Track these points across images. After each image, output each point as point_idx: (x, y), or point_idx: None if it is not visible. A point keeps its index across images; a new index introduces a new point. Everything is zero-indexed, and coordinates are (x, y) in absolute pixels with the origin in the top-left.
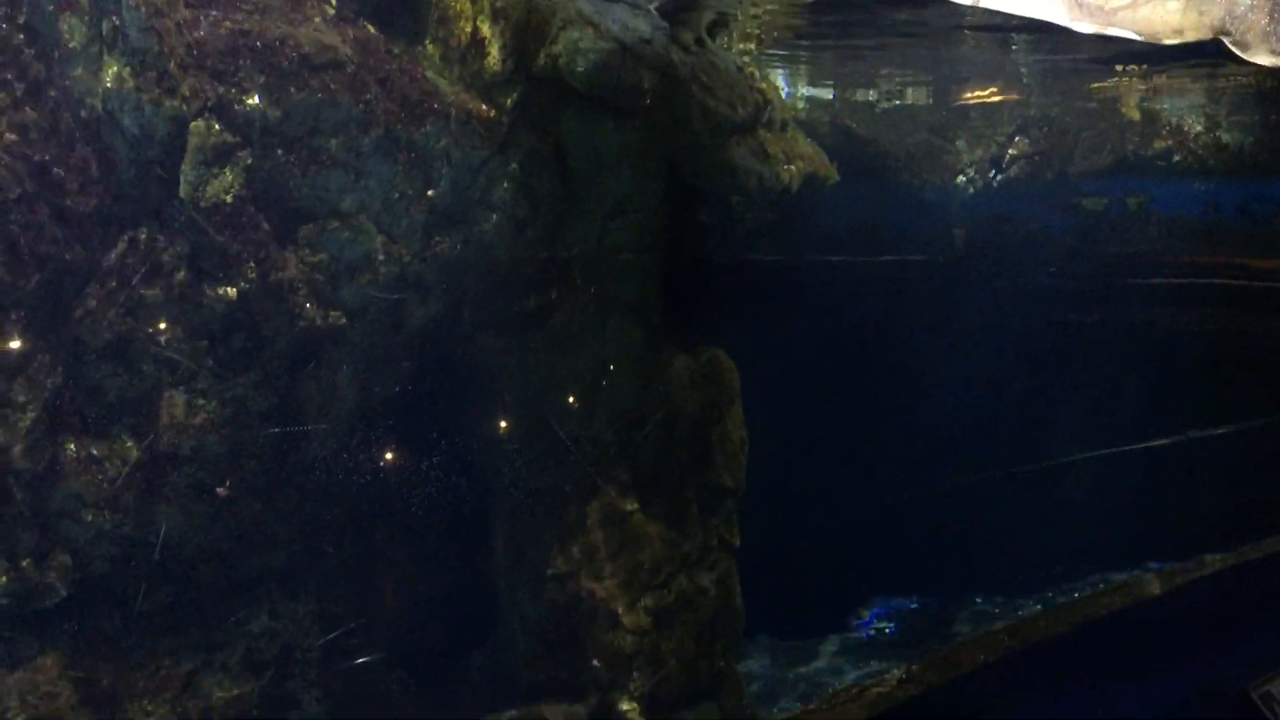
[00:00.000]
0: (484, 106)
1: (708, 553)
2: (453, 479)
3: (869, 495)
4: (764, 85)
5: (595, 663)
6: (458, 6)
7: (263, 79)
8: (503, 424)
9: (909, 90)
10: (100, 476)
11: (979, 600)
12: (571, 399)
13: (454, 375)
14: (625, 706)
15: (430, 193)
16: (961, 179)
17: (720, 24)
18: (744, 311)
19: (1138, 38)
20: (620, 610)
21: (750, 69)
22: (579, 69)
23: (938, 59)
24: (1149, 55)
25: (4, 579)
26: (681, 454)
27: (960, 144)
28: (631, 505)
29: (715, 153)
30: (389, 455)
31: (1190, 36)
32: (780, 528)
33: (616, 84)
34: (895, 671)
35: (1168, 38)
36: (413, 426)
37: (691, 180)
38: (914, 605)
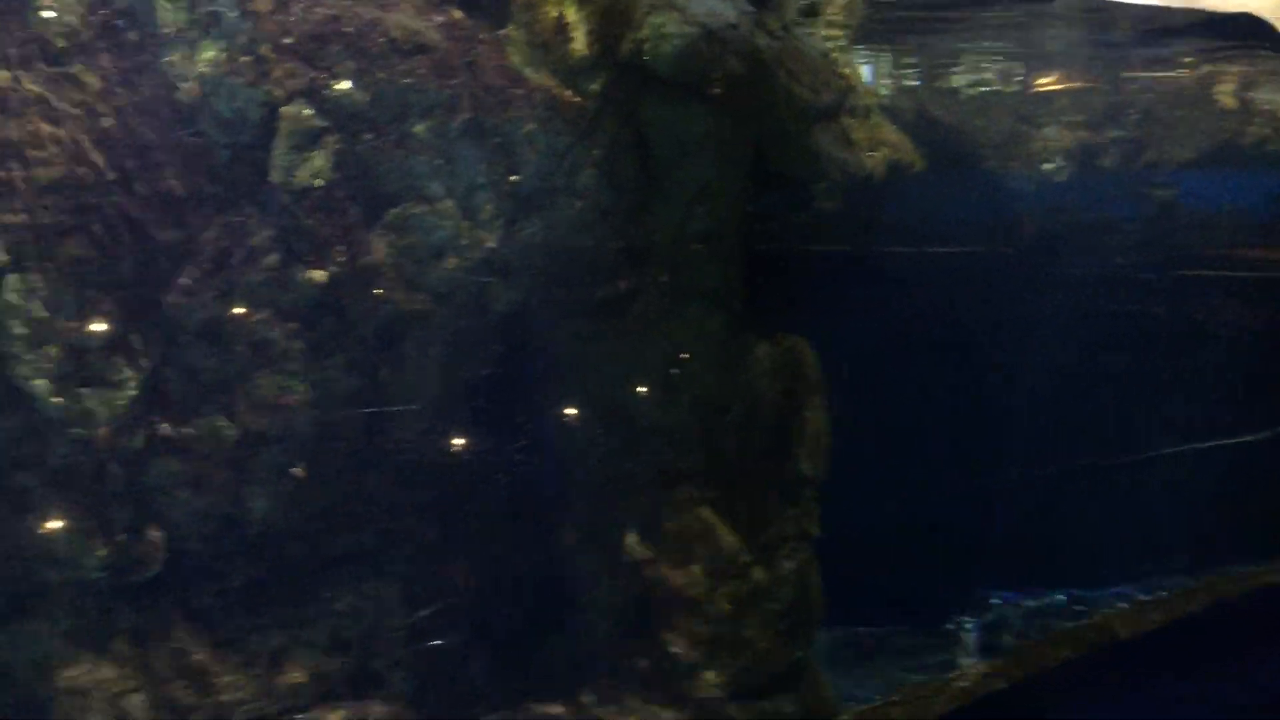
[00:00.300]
0: (568, 93)
1: (786, 542)
2: (532, 463)
3: (958, 487)
4: (848, 71)
5: (673, 650)
6: None
7: (352, 64)
8: (582, 410)
9: (996, 75)
10: (193, 455)
11: (1062, 596)
12: (650, 386)
13: (535, 360)
14: (703, 695)
15: (514, 178)
16: (1049, 166)
17: (810, 12)
18: (826, 300)
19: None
20: (698, 598)
21: (835, 54)
22: (664, 54)
23: (1028, 42)
24: (1247, 40)
25: (102, 552)
26: (761, 442)
27: (1048, 131)
28: (710, 493)
29: (799, 139)
30: (471, 439)
31: None
32: (865, 519)
33: (701, 70)
34: (979, 665)
35: None
36: (494, 410)
37: (775, 167)
38: (1002, 600)
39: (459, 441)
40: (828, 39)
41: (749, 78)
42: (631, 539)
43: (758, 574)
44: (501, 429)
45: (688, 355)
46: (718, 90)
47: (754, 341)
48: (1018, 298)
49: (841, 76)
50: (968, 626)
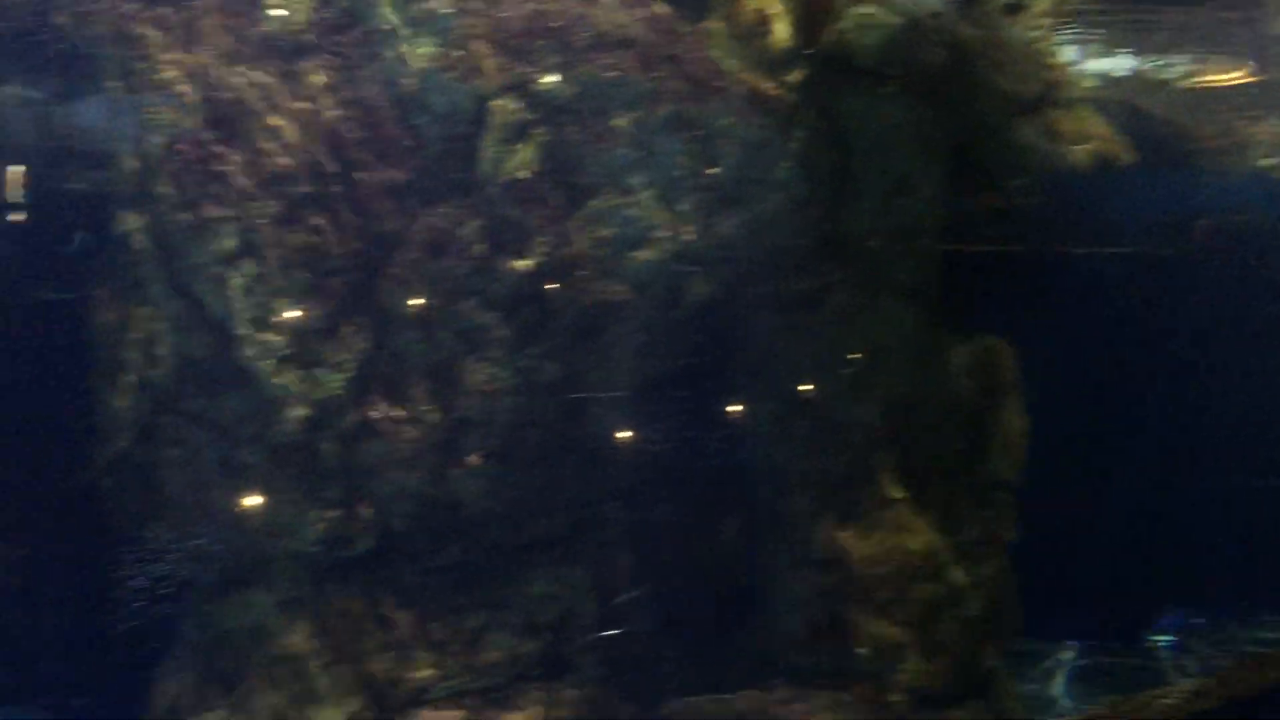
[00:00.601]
0: (768, 84)
1: (980, 546)
2: (723, 456)
3: (1160, 497)
4: (1054, 62)
5: (862, 651)
6: None
7: (559, 58)
8: (774, 403)
9: (1211, 67)
10: (401, 438)
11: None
12: (843, 382)
13: (728, 353)
14: (892, 698)
15: (712, 171)
16: (1269, 162)
17: (1017, 2)
18: (1027, 299)
19: None
20: (889, 599)
21: (1041, 44)
22: (866, 44)
23: (1253, 34)
24: None
25: (318, 527)
26: (955, 443)
27: (1269, 125)
28: (902, 493)
29: (1002, 132)
30: (664, 429)
31: None
32: (1060, 526)
33: (904, 60)
34: (1186, 683)
35: None
36: (687, 402)
37: (976, 161)
38: (1203, 619)
39: (651, 431)
40: (1034, 29)
41: (952, 68)
42: (822, 535)
43: (953, 576)
44: (694, 420)
45: (881, 352)
46: (920, 81)
47: (949, 340)
48: (1233, 299)
49: (1048, 67)
50: (1165, 642)
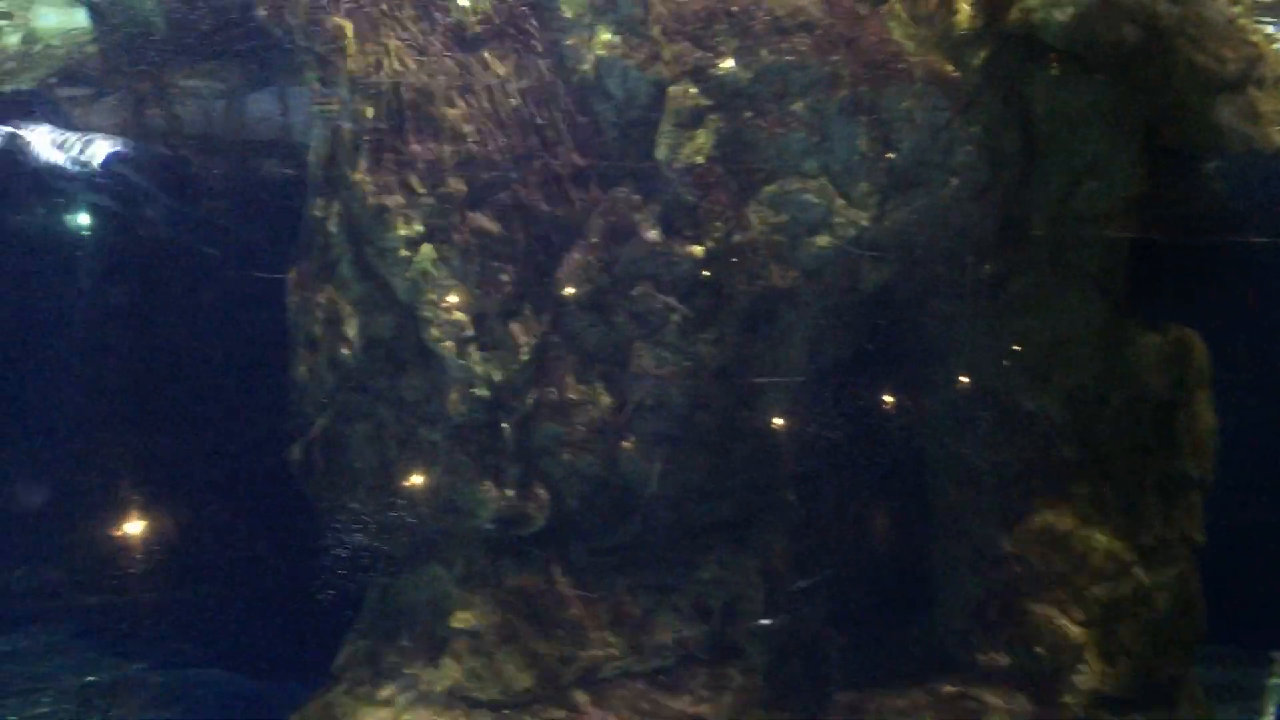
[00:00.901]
0: (949, 67)
1: (1166, 547)
2: (897, 446)
3: None
4: (1257, 38)
5: (1038, 650)
6: None
7: (736, 43)
8: (950, 394)
9: None
10: (576, 420)
11: None
12: (1023, 372)
13: (904, 341)
14: (1068, 699)
15: (890, 155)
16: None
17: None
18: (1221, 290)
19: None
20: (1067, 599)
21: (1242, 19)
22: (1055, 23)
23: None
24: None
25: (495, 506)
26: (1142, 438)
27: None
28: (1084, 489)
29: (1200, 113)
30: (837, 417)
31: None
32: (1255, 528)
33: (1094, 38)
34: None
35: None
36: (861, 390)
37: (1171, 143)
38: None
39: (821, 419)
40: (1234, 3)
41: (1146, 46)
42: (998, 530)
43: (1137, 577)
44: (868, 409)
45: (1065, 342)
46: (1111, 60)
47: (1138, 330)
48: None
49: (1250, 44)
50: None
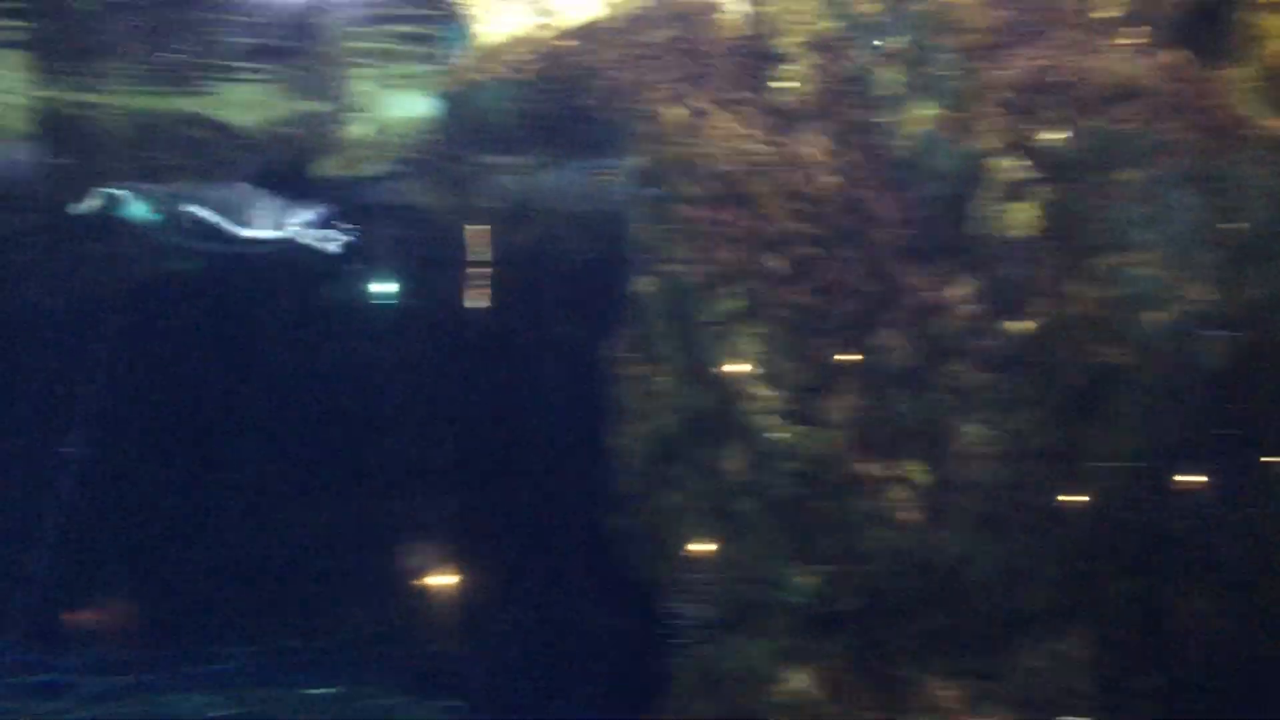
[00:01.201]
0: None
1: None
2: (1238, 539)
3: None
4: None
5: None
6: (1269, 25)
7: (1061, 113)
8: None
9: None
10: (891, 496)
11: None
12: None
13: (1247, 422)
14: None
15: (1233, 225)
16: None
17: None
18: None
19: None
20: None
21: None
22: None
23: None
24: None
25: (808, 580)
26: None
27: None
28: None
29: None
30: (1169, 503)
31: None
32: None
33: None
34: None
35: None
36: (1198, 474)
37: None
38: None
39: (1156, 505)
40: None
41: None
42: None
43: None
44: (1205, 495)
45: None
46: None
47: None
48: None
49: None
50: None
